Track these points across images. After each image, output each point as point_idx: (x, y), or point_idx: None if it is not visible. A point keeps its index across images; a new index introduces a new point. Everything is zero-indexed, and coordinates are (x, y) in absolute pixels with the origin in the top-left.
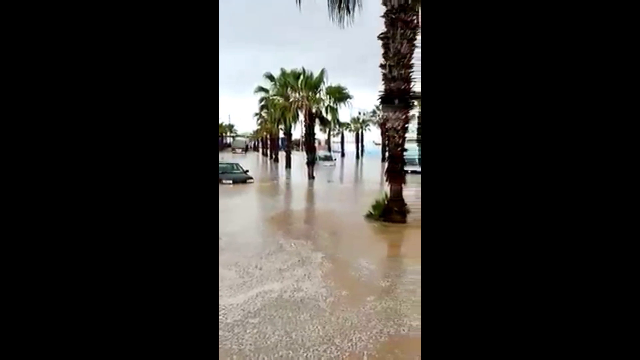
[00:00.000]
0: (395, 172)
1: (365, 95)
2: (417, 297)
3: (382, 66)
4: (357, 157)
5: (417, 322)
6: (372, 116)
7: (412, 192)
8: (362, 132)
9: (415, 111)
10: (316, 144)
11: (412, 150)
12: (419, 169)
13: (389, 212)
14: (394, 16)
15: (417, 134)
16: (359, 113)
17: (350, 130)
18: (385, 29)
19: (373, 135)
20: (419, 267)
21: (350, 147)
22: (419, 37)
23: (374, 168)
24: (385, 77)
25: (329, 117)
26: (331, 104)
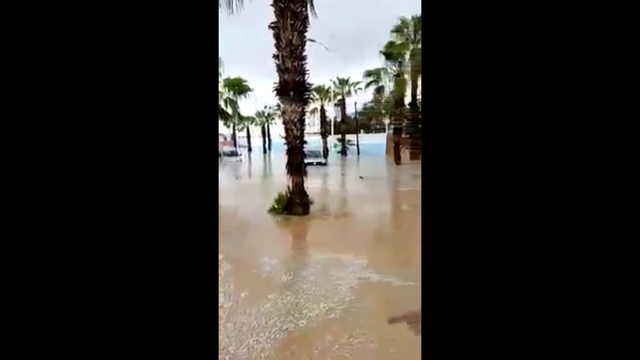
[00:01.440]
0: (295, 165)
1: (272, 88)
2: (317, 287)
3: (275, 57)
4: (265, 151)
5: (316, 312)
6: (277, 109)
7: (317, 184)
8: (268, 126)
9: (317, 104)
10: (221, 140)
11: (316, 142)
12: (323, 160)
13: (292, 205)
14: (282, 5)
15: (320, 128)
16: (265, 107)
17: (256, 124)
18: (276, 19)
19: (280, 129)
20: (320, 257)
21: (257, 142)
22: (309, 29)
23: (282, 161)
24: (279, 69)
25: (230, 111)
26: (230, 97)
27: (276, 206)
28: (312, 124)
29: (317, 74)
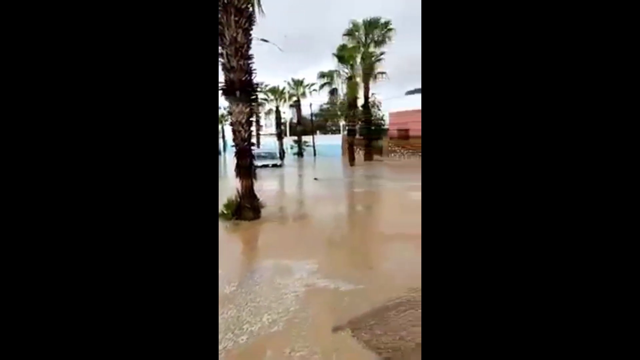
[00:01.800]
0: (244, 167)
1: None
2: (261, 297)
3: (220, 55)
4: (220, 153)
5: (258, 326)
6: None
7: (272, 186)
8: (223, 127)
9: (273, 105)
10: None
11: (272, 144)
12: (279, 162)
13: (241, 209)
14: (225, 1)
15: (276, 129)
16: (219, 107)
17: None
18: (220, 15)
19: None
20: (266, 264)
21: None
22: (260, 29)
23: None
24: (224, 67)
25: None
26: None
27: (225, 211)
28: (269, 125)
29: (274, 74)
